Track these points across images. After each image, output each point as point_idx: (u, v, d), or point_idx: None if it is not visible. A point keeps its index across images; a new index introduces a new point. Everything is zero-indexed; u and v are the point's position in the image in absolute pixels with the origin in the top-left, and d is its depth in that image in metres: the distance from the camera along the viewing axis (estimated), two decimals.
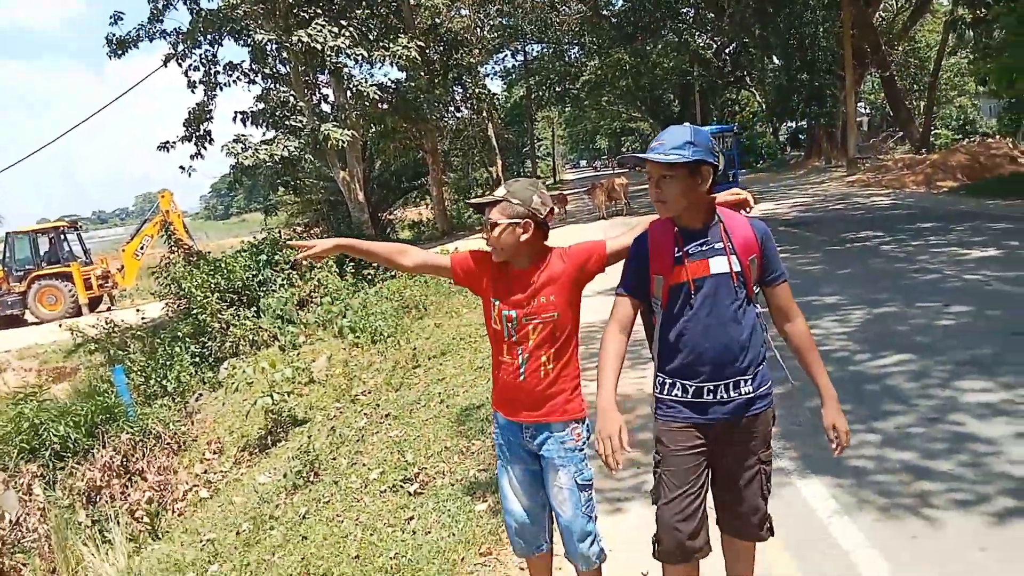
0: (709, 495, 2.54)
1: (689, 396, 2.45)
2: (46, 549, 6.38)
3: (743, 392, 2.42)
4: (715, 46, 42.79)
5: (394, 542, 3.99)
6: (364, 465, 5.42)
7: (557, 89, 43.99)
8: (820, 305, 7.65)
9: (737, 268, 2.40)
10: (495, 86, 43.67)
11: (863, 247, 10.87)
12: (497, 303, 2.66)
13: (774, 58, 37.84)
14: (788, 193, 21.76)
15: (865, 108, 41.63)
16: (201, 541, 5.47)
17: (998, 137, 25.79)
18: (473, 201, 2.80)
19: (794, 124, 41.08)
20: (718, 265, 2.40)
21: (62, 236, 24.48)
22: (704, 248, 2.41)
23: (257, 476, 6.75)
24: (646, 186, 2.50)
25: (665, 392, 2.50)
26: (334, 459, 5.91)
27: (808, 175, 28.34)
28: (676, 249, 2.42)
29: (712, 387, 2.42)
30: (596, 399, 2.38)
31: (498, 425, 2.79)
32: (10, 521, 6.77)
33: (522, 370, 2.62)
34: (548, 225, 2.65)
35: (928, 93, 28.91)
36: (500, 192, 2.64)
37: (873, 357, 5.76)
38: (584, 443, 2.65)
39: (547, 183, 53.07)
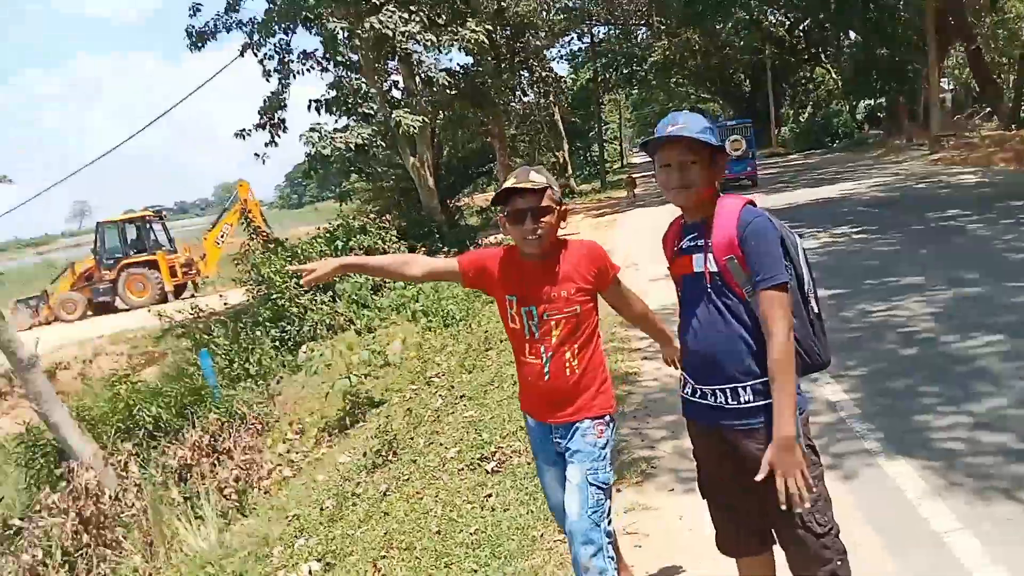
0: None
1: (695, 397, 2.33)
2: (143, 523, 6.72)
3: (743, 400, 2.20)
4: (788, 23, 41.53)
5: (474, 518, 4.08)
6: (441, 444, 5.53)
7: (624, 71, 43.51)
8: (904, 285, 7.41)
9: (713, 268, 2.20)
10: (561, 69, 43.41)
11: (948, 226, 10.45)
12: (514, 300, 2.56)
13: (851, 33, 36.51)
14: (867, 173, 21.02)
15: (949, 84, 39.75)
16: (287, 517, 5.68)
17: None
18: (521, 185, 2.45)
19: (872, 102, 39.56)
20: (698, 263, 2.25)
21: (148, 225, 25.53)
22: (692, 244, 2.28)
23: (337, 455, 6.96)
24: None
25: (680, 388, 2.43)
26: (411, 439, 6.06)
27: (888, 154, 27.29)
28: (676, 243, 2.36)
29: (708, 391, 2.27)
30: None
31: (529, 427, 2.74)
32: (110, 497, 7.16)
33: (546, 369, 2.53)
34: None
35: (1019, 66, 27.41)
36: (538, 178, 2.48)
37: (962, 338, 5.55)
38: (607, 442, 2.52)
39: (614, 167, 52.59)
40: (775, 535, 2.31)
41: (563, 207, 2.55)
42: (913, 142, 28.92)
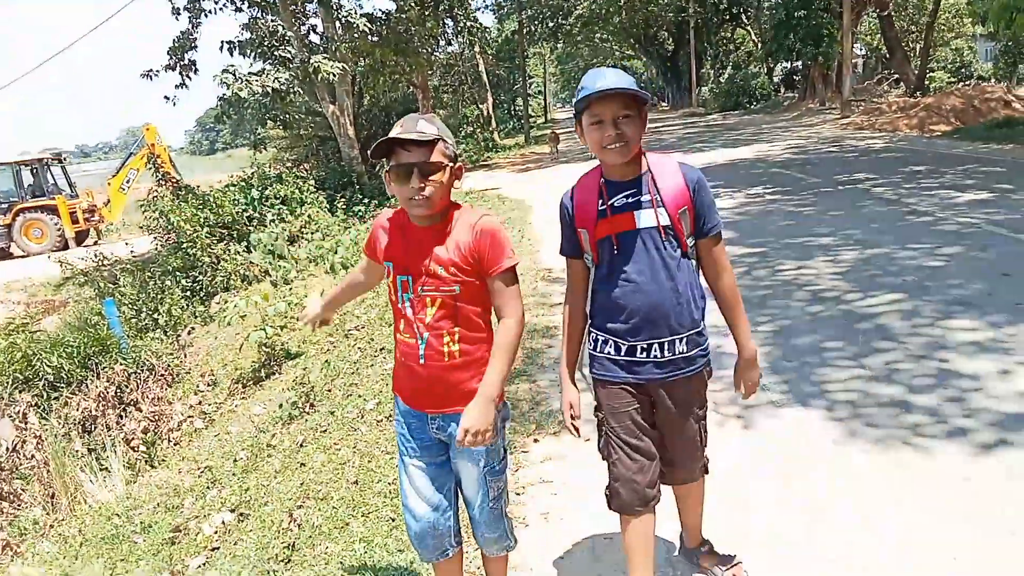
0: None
1: (622, 355, 2.36)
2: (44, 475, 6.45)
3: (678, 351, 2.32)
4: None
5: (391, 469, 4.07)
6: (360, 396, 5.48)
7: (550, 24, 43.08)
8: (813, 245, 7.69)
9: (666, 222, 2.24)
10: (486, 20, 42.73)
11: (856, 189, 10.88)
12: (391, 266, 2.29)
13: None
14: (782, 135, 21.64)
15: (861, 49, 41.08)
16: (199, 468, 5.57)
17: (993, 81, 25.58)
18: (407, 135, 2.13)
19: (789, 65, 40.54)
20: (645, 219, 2.25)
21: (47, 168, 24.11)
22: (630, 200, 2.27)
23: (251, 407, 6.83)
24: None
25: (598, 349, 2.42)
26: (329, 391, 5.98)
27: (802, 117, 28.13)
28: (600, 202, 2.30)
29: (645, 346, 2.32)
30: (560, 368, 2.51)
31: (399, 411, 2.42)
32: (7, 448, 6.84)
33: (421, 353, 2.25)
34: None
35: (925, 34, 28.53)
36: (428, 129, 2.16)
37: (864, 296, 5.83)
38: (500, 430, 2.32)
39: (539, 122, 52.45)
40: (669, 462, 2.52)
41: (458, 164, 2.24)
42: (826, 106, 29.87)
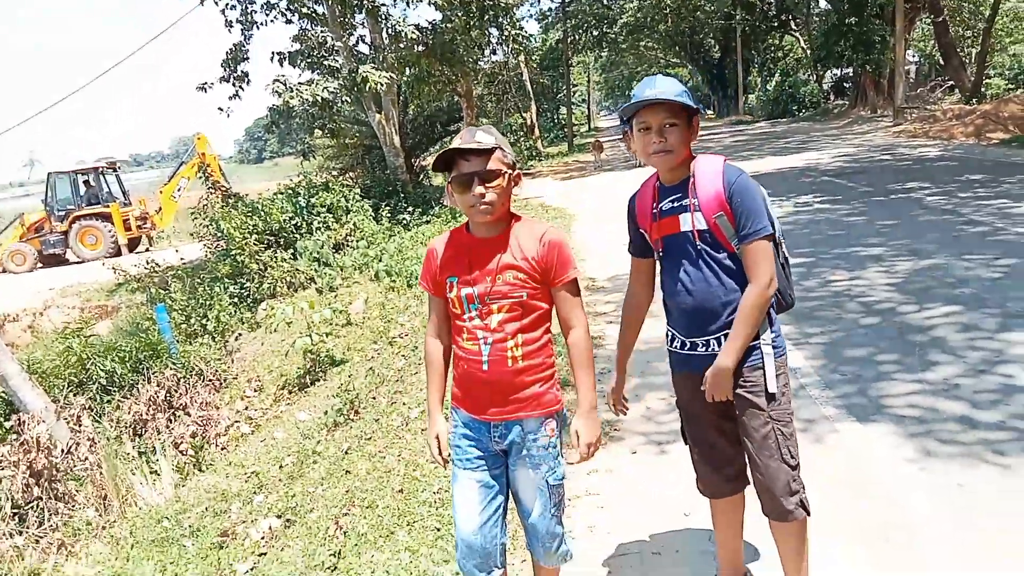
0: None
1: (686, 350, 2.44)
2: (97, 477, 6.59)
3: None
4: None
5: (436, 478, 4.06)
6: (404, 404, 5.49)
7: (594, 33, 42.99)
8: (865, 256, 7.51)
9: (702, 226, 2.30)
10: (531, 28, 42.86)
11: (909, 198, 10.60)
12: (455, 282, 2.32)
13: (820, 1, 36.58)
14: (832, 143, 21.24)
15: (914, 55, 40.15)
16: (245, 473, 5.63)
17: None
18: (466, 145, 2.20)
19: (839, 72, 39.82)
20: (685, 222, 2.33)
21: (102, 177, 24.80)
22: (675, 204, 2.36)
23: (297, 413, 6.90)
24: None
25: (669, 343, 2.53)
26: (374, 398, 6.01)
27: (852, 124, 27.58)
28: (653, 204, 2.41)
29: (703, 341, 2.39)
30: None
31: (458, 423, 2.44)
32: (62, 450, 7.01)
33: (485, 358, 2.29)
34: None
35: (982, 40, 27.73)
36: (486, 139, 2.23)
37: (920, 308, 5.66)
38: (558, 438, 2.38)
39: (582, 130, 52.37)
40: (750, 472, 2.46)
41: (516, 171, 2.31)
42: (877, 113, 29.25)
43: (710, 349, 2.37)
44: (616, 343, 2.67)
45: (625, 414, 2.74)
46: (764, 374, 2.37)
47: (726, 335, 2.33)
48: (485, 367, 2.29)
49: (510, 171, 2.27)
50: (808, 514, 2.41)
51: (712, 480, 2.56)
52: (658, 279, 2.54)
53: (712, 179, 2.30)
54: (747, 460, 2.46)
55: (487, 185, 2.21)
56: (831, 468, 3.54)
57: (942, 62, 29.71)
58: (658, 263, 2.49)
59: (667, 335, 2.53)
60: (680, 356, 2.47)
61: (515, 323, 2.27)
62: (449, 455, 2.44)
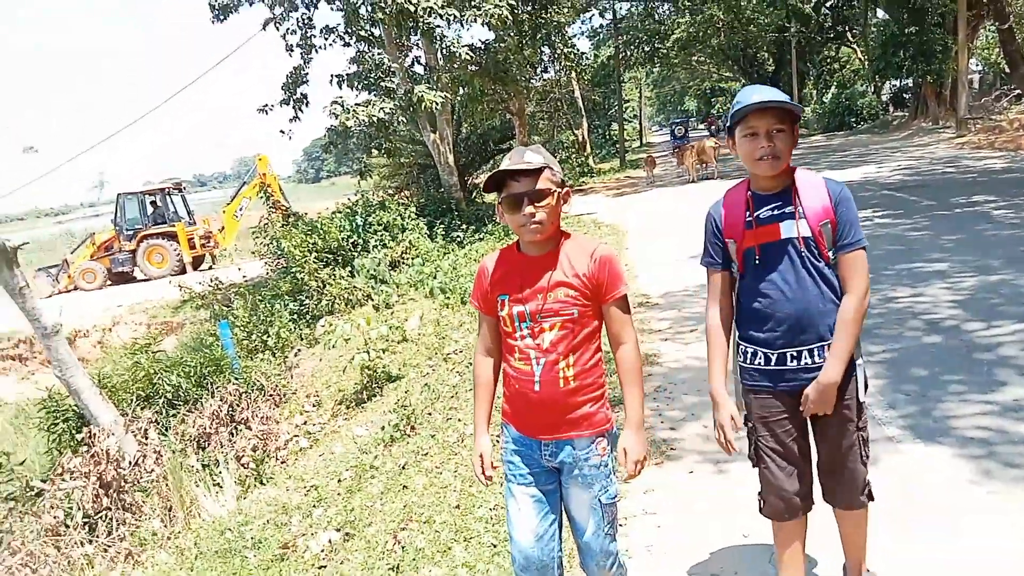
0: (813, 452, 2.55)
1: (772, 364, 2.43)
2: (163, 488, 6.81)
3: (826, 358, 2.36)
4: None
5: (492, 495, 4.09)
6: (460, 420, 5.55)
7: (646, 49, 42.86)
8: (928, 272, 7.32)
9: (806, 233, 2.33)
10: (583, 46, 42.98)
11: (974, 212, 10.30)
12: (506, 299, 2.33)
13: (878, 11, 35.85)
14: (892, 156, 20.74)
15: (978, 64, 39.02)
16: (305, 487, 5.74)
17: None
18: (516, 167, 2.23)
19: (898, 83, 38.90)
20: (788, 230, 2.35)
21: (168, 197, 25.69)
22: (775, 212, 2.37)
23: (354, 428, 7.02)
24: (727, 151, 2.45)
25: (747, 361, 2.50)
26: (429, 414, 6.08)
27: (913, 136, 26.90)
28: (747, 213, 2.41)
29: (795, 353, 2.38)
30: (710, 382, 2.49)
31: (509, 439, 2.45)
32: (130, 462, 7.25)
33: (537, 379, 2.29)
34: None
35: None
36: (535, 159, 2.25)
37: (987, 326, 5.49)
38: (610, 457, 2.38)
39: (634, 146, 52.19)
40: (829, 474, 2.52)
41: (565, 189, 2.33)
42: (939, 124, 28.46)
43: (803, 362, 2.38)
44: (708, 366, 2.54)
45: (732, 452, 2.54)
46: (856, 386, 2.42)
47: (819, 347, 2.35)
48: (537, 387, 2.30)
49: (559, 189, 2.30)
50: (873, 499, 2.55)
51: (787, 496, 2.51)
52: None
53: (816, 188, 2.36)
54: (825, 465, 2.52)
55: (537, 205, 2.23)
56: (894, 489, 3.46)
57: (1007, 70, 28.79)
58: (740, 276, 2.48)
59: (743, 352, 2.51)
60: (764, 372, 2.45)
61: (566, 342, 2.27)
62: (491, 475, 2.47)
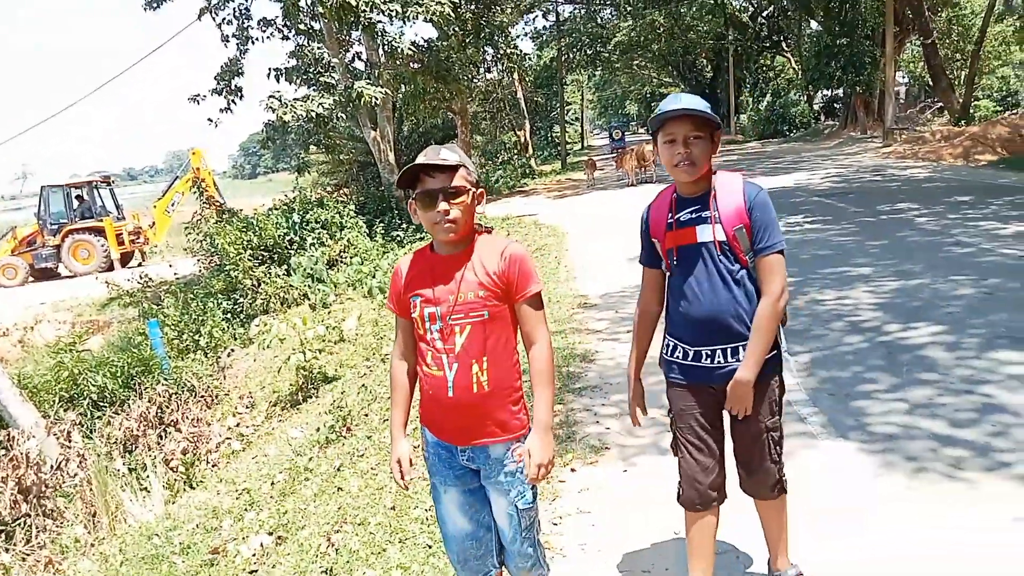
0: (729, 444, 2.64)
1: (689, 360, 2.53)
2: (87, 493, 6.58)
3: (740, 357, 2.43)
4: (751, 8, 41.92)
5: (428, 496, 4.06)
6: None
7: (588, 52, 43.29)
8: (853, 276, 7.59)
9: (721, 237, 2.40)
10: (525, 47, 43.17)
11: (898, 219, 10.72)
12: (418, 300, 2.29)
13: (812, 22, 36.97)
14: (822, 163, 21.42)
15: (904, 77, 40.59)
16: (236, 490, 5.62)
17: None
18: (431, 162, 2.21)
19: (830, 92, 40.20)
20: (704, 233, 2.42)
21: (95, 191, 24.83)
22: (693, 216, 2.45)
23: (289, 430, 6.90)
24: None
25: (668, 353, 2.61)
26: (366, 415, 6.03)
27: (843, 145, 27.84)
28: (670, 215, 2.50)
29: (708, 352, 2.47)
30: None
31: (427, 443, 2.43)
32: (51, 466, 6.98)
33: (450, 384, 2.25)
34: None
35: (971, 62, 28.09)
36: (451, 156, 2.24)
37: (905, 328, 5.73)
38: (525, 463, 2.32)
39: (575, 149, 52.62)
40: (742, 466, 2.63)
41: (480, 189, 2.31)
42: (867, 134, 29.52)
43: (715, 361, 2.46)
44: (628, 355, 2.75)
45: (640, 425, 2.83)
46: (771, 387, 2.51)
47: (732, 347, 2.43)
48: (451, 393, 2.26)
49: (474, 189, 2.28)
50: (785, 492, 2.66)
51: (700, 488, 2.58)
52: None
53: (733, 193, 2.42)
54: (738, 457, 2.62)
55: (452, 202, 2.21)
56: (809, 482, 3.59)
57: (931, 84, 30.03)
58: (668, 275, 2.57)
59: (667, 345, 2.62)
60: (682, 366, 2.55)
61: (478, 344, 2.24)
62: (410, 481, 2.46)
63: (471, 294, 2.24)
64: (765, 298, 2.39)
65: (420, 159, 2.24)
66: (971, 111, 26.11)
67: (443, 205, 2.21)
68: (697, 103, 2.38)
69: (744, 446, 2.59)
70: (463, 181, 2.23)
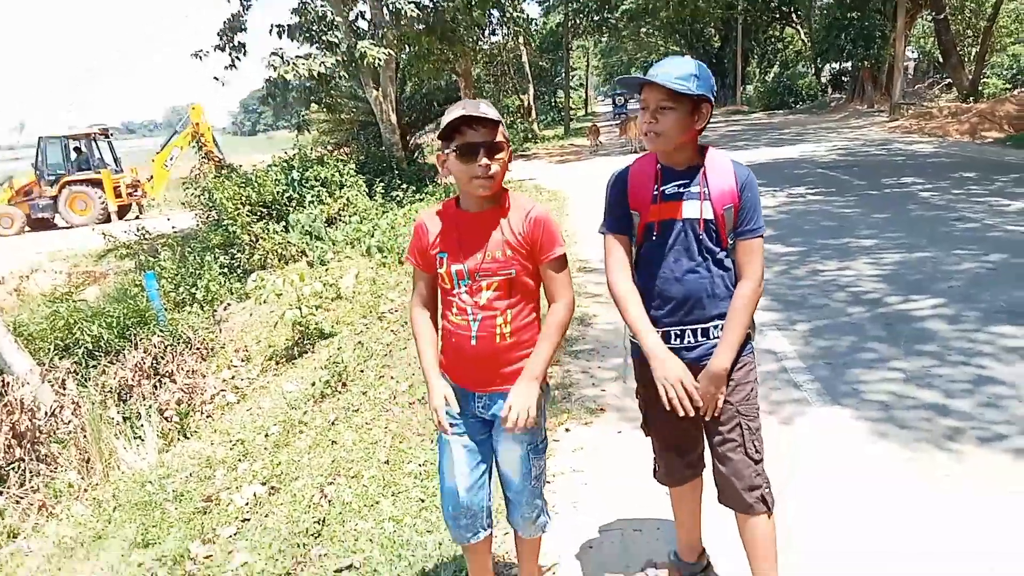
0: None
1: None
2: (81, 440, 6.58)
3: (712, 338, 2.31)
4: None
5: (423, 451, 4.08)
6: (392, 378, 5.50)
7: (595, 18, 42.67)
8: (855, 247, 7.55)
9: (708, 215, 2.25)
10: (532, 11, 42.59)
11: (902, 193, 10.65)
12: (445, 257, 2.29)
13: None
14: (828, 136, 21.26)
15: (914, 52, 40.11)
16: (231, 441, 5.63)
17: None
18: (477, 114, 2.15)
19: (838, 66, 39.77)
20: (690, 209, 2.26)
21: (93, 143, 24.58)
22: (679, 190, 2.28)
23: (284, 384, 6.89)
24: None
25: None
26: (362, 371, 6.01)
27: (849, 118, 27.61)
28: (655, 186, 2.30)
29: (679, 332, 2.32)
30: (641, 345, 2.30)
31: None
32: (46, 413, 6.99)
33: (474, 333, 2.28)
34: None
35: (982, 39, 27.73)
36: (490, 112, 2.18)
37: (905, 300, 5.71)
38: (542, 410, 2.35)
39: (579, 114, 52.18)
40: (715, 463, 2.39)
41: (509, 150, 2.28)
42: (874, 108, 29.26)
43: (685, 341, 2.32)
44: (616, 319, 2.63)
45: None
46: (746, 375, 2.35)
47: (703, 328, 2.30)
48: (474, 342, 2.28)
49: (508, 146, 2.27)
50: (769, 509, 2.34)
51: (675, 468, 2.55)
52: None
53: (724, 171, 2.27)
54: (711, 452, 2.41)
55: (494, 157, 2.18)
56: (796, 443, 3.60)
57: (941, 60, 29.68)
58: (636, 247, 2.39)
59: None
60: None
61: (504, 299, 2.26)
62: (454, 424, 2.39)
63: (499, 252, 2.24)
64: (747, 281, 2.26)
65: (458, 111, 2.17)
66: (980, 88, 25.84)
67: (484, 160, 2.16)
68: (674, 71, 2.17)
69: (715, 438, 2.35)
70: (503, 138, 2.21)
